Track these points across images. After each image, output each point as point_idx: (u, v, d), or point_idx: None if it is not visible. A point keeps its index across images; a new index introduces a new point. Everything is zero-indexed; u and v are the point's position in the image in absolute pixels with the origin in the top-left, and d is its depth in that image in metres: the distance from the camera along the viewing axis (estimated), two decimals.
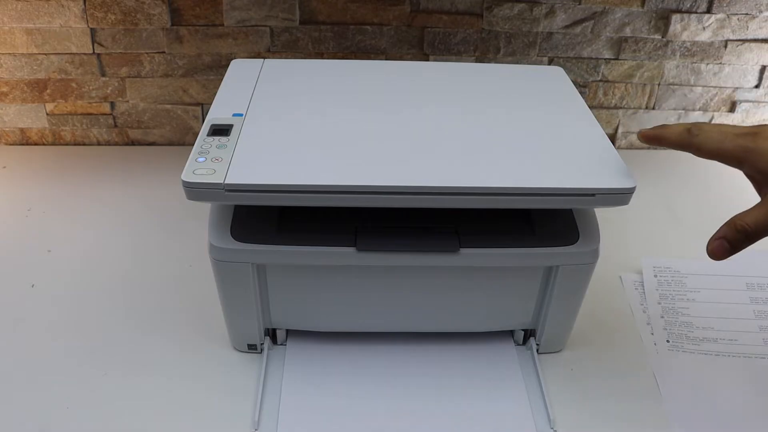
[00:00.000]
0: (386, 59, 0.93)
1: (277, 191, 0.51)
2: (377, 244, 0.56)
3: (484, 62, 0.94)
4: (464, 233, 0.57)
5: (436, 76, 0.69)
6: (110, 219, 0.84)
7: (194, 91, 0.95)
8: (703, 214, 0.89)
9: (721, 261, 0.49)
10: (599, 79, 0.96)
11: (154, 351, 0.65)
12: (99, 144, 0.99)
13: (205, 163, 0.52)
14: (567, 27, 0.91)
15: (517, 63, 0.94)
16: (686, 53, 0.94)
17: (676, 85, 0.98)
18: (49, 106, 0.96)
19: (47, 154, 0.97)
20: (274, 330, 0.65)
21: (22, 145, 0.99)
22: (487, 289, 0.61)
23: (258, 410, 0.59)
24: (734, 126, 0.51)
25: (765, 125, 0.48)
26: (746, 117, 1.00)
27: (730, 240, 0.48)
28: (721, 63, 0.96)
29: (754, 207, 0.48)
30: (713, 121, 1.01)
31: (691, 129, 0.50)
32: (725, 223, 0.48)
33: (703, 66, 0.96)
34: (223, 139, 0.55)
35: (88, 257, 0.77)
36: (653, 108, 0.99)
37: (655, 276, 0.76)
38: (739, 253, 0.79)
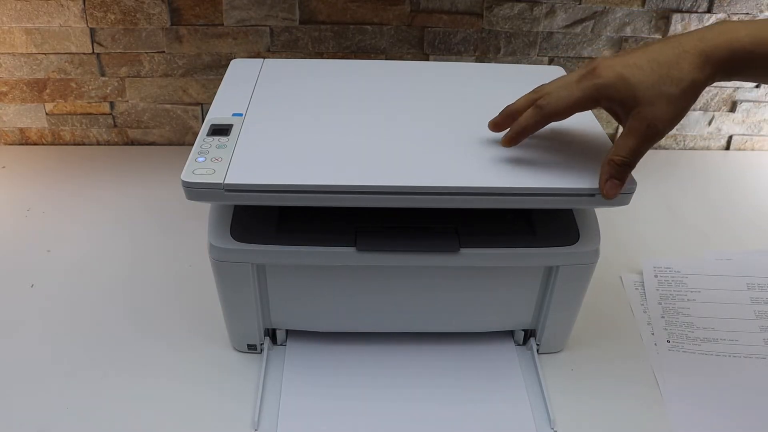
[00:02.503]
0: (386, 59, 0.93)
1: (276, 191, 0.51)
2: (377, 244, 0.56)
3: (484, 62, 0.94)
4: (464, 233, 0.57)
5: (436, 76, 0.69)
6: (110, 219, 0.84)
7: (194, 91, 0.95)
8: (703, 214, 0.89)
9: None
10: None
11: (154, 351, 0.65)
12: (99, 144, 0.99)
13: (204, 163, 0.52)
14: (567, 27, 0.91)
15: (517, 63, 0.94)
16: None
17: None
18: (49, 106, 0.96)
19: (47, 154, 0.97)
20: (274, 330, 0.65)
21: (22, 145, 0.99)
22: (487, 290, 0.61)
23: (258, 410, 0.59)
24: (570, 74, 0.52)
25: (595, 59, 0.51)
26: (747, 117, 1.00)
27: (617, 176, 0.50)
28: None
29: (622, 138, 0.50)
30: (713, 122, 1.01)
31: (538, 102, 0.52)
32: (603, 164, 0.51)
33: None
34: (223, 139, 0.55)
35: (88, 257, 0.77)
36: None
37: (656, 276, 0.76)
38: (739, 254, 0.80)
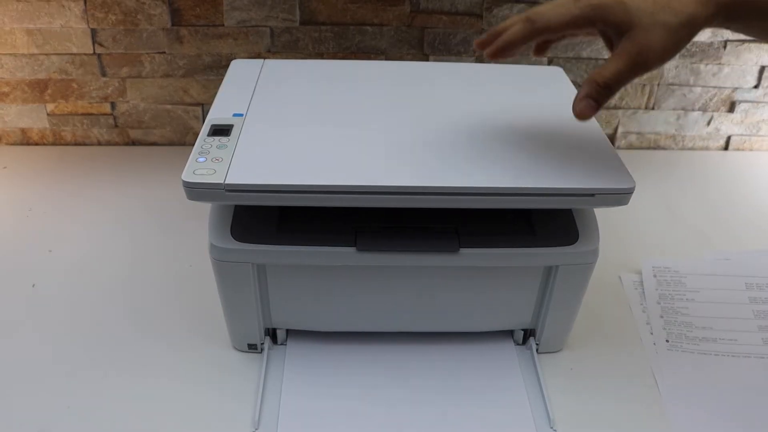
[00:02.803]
0: (386, 59, 0.93)
1: (277, 191, 0.51)
2: (377, 244, 0.56)
3: (484, 62, 0.94)
4: (464, 233, 0.57)
5: (436, 76, 0.69)
6: (110, 219, 0.84)
7: (194, 92, 0.95)
8: (702, 214, 0.89)
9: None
10: None
11: (154, 351, 0.65)
12: (99, 144, 1.00)
13: (205, 163, 0.52)
14: None
15: (516, 63, 0.94)
16: (686, 53, 0.94)
17: (676, 85, 0.98)
18: (50, 107, 0.96)
19: (48, 154, 0.97)
20: (274, 330, 0.65)
21: (23, 145, 0.99)
22: (487, 289, 0.61)
23: (258, 410, 0.59)
24: None
25: None
26: (746, 117, 1.01)
27: (595, 96, 0.48)
28: (720, 63, 0.96)
29: (610, 60, 0.48)
30: (713, 122, 1.01)
31: (530, 16, 0.50)
32: (585, 82, 0.48)
33: (702, 66, 0.96)
34: (224, 139, 0.55)
35: (89, 257, 0.77)
36: (653, 108, 0.99)
37: (655, 276, 0.76)
38: (738, 254, 0.80)
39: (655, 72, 0.96)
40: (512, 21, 0.51)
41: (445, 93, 0.65)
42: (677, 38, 0.47)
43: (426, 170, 0.52)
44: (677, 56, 0.94)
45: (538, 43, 0.55)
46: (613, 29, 0.48)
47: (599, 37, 0.51)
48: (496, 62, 0.52)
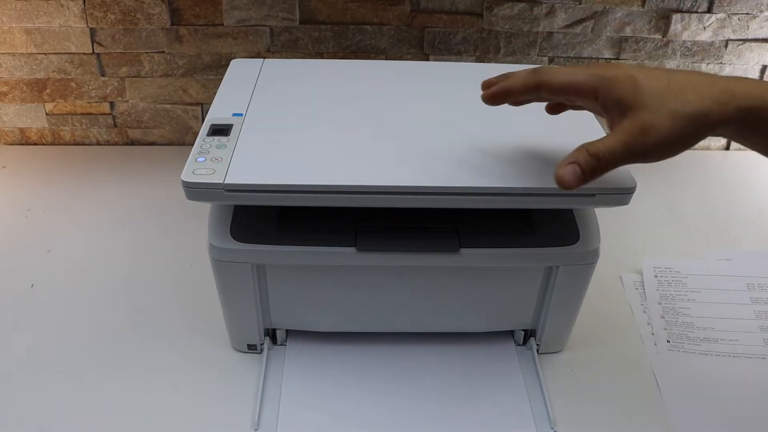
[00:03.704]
0: (386, 59, 0.93)
1: (277, 191, 0.51)
2: (377, 244, 0.56)
3: (484, 62, 0.94)
4: (464, 233, 0.57)
5: (436, 76, 0.69)
6: (110, 219, 0.84)
7: (194, 91, 0.95)
8: (703, 214, 0.89)
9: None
10: None
11: (154, 351, 0.65)
12: (99, 144, 0.99)
13: (204, 163, 0.52)
14: (567, 27, 0.91)
15: (517, 63, 0.94)
16: (687, 53, 0.94)
17: None
18: (49, 106, 0.96)
19: (47, 154, 0.97)
20: (274, 330, 0.65)
21: (22, 145, 0.99)
22: (487, 289, 0.61)
23: (258, 410, 0.59)
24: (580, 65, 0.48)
25: (612, 62, 0.47)
26: None
27: (583, 165, 0.44)
28: (721, 63, 0.95)
29: (607, 135, 0.45)
30: None
31: (537, 69, 0.48)
32: (575, 149, 0.45)
33: (703, 66, 0.96)
34: (223, 139, 0.55)
35: (88, 257, 0.77)
36: None
37: (656, 276, 0.76)
38: (739, 254, 0.80)
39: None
40: (519, 72, 0.50)
41: (446, 93, 0.65)
42: (684, 131, 0.43)
43: (426, 170, 0.52)
44: (678, 56, 0.94)
45: (549, 104, 0.54)
46: (616, 105, 0.45)
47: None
48: (490, 104, 0.51)
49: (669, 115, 0.43)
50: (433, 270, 0.59)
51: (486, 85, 0.51)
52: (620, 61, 0.94)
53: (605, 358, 0.66)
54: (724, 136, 0.46)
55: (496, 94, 0.49)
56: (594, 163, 0.44)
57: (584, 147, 0.45)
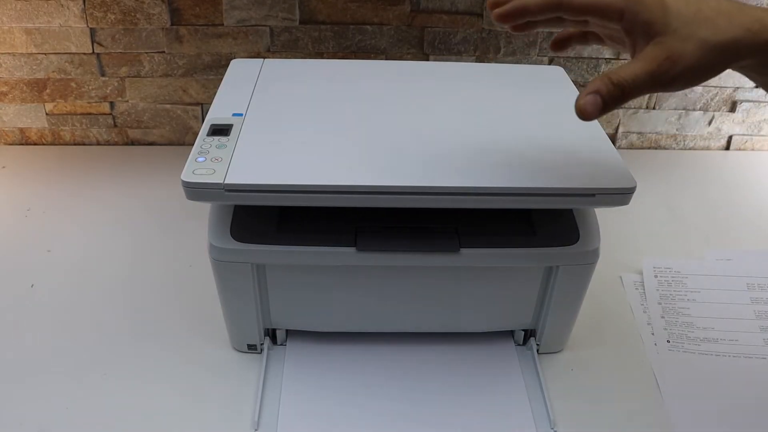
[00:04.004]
0: (386, 59, 0.93)
1: (277, 191, 0.51)
2: (377, 244, 0.56)
3: (484, 62, 0.94)
4: (464, 233, 0.57)
5: (436, 76, 0.69)
6: (110, 219, 0.84)
7: (194, 91, 0.95)
8: (703, 214, 0.89)
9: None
10: None
11: (154, 351, 0.65)
12: (99, 144, 0.99)
13: (204, 163, 0.52)
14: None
15: (517, 63, 0.94)
16: None
17: None
18: (49, 106, 0.96)
19: (47, 154, 0.97)
20: (274, 330, 0.65)
21: (22, 145, 0.99)
22: (487, 289, 0.61)
23: (258, 410, 0.59)
24: None
25: None
26: (747, 117, 1.00)
27: (605, 94, 0.42)
28: None
29: (631, 62, 0.42)
30: (714, 122, 1.01)
31: None
32: (597, 78, 0.42)
33: None
34: (223, 139, 0.55)
35: (88, 257, 0.77)
36: (654, 108, 0.99)
37: (656, 276, 0.76)
38: (739, 253, 0.80)
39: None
40: None
41: (446, 93, 0.65)
42: (711, 60, 0.41)
43: (426, 170, 0.52)
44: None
45: (556, 37, 0.51)
46: (642, 29, 0.42)
47: (610, 44, 0.48)
48: (502, 27, 0.45)
49: (698, 43, 0.41)
50: (433, 270, 0.59)
51: (495, 3, 0.45)
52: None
53: (605, 358, 0.66)
54: (744, 71, 0.44)
55: (509, 11, 0.44)
56: (617, 93, 0.42)
57: (606, 75, 0.42)
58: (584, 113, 0.42)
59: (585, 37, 0.51)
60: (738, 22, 0.41)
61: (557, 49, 0.52)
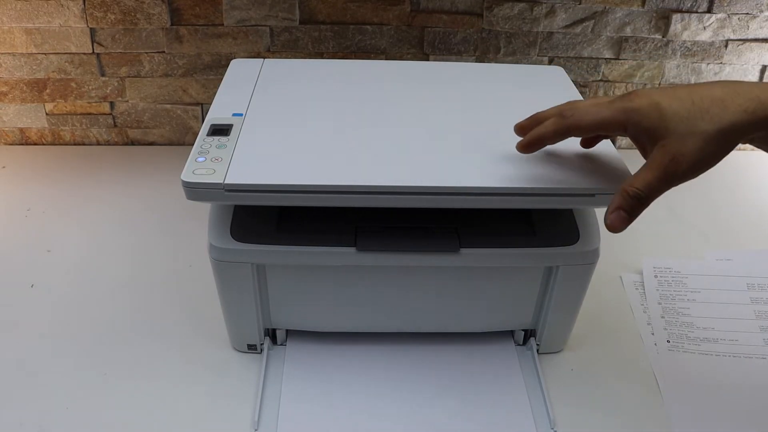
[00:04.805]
0: (386, 59, 0.93)
1: (277, 191, 0.51)
2: (377, 244, 0.56)
3: (484, 62, 0.94)
4: (464, 233, 0.57)
5: (436, 76, 0.69)
6: (110, 219, 0.84)
7: (194, 91, 0.95)
8: (704, 214, 0.89)
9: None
10: (600, 78, 0.96)
11: (154, 351, 0.65)
12: (99, 144, 0.99)
13: (204, 163, 0.52)
14: (567, 27, 0.91)
15: (517, 63, 0.94)
16: (687, 53, 0.94)
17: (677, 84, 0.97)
18: (49, 106, 0.96)
19: (47, 154, 0.96)
20: (274, 330, 0.65)
21: (22, 144, 0.99)
22: (487, 289, 0.61)
23: (258, 410, 0.59)
24: (604, 96, 0.50)
25: (635, 90, 0.47)
26: None
27: (626, 208, 0.46)
28: (721, 63, 0.95)
29: (641, 170, 0.46)
30: None
31: (563, 111, 0.49)
32: (617, 193, 0.46)
33: (703, 66, 0.96)
34: (223, 138, 0.55)
35: (88, 257, 0.77)
36: None
37: (656, 276, 0.76)
38: (739, 254, 0.80)
39: (656, 71, 0.96)
40: (548, 113, 0.51)
41: (446, 93, 0.65)
42: (713, 149, 0.43)
43: (426, 170, 0.52)
44: (678, 56, 0.94)
45: (582, 140, 0.55)
46: (645, 136, 0.46)
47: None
48: (526, 153, 0.53)
49: (697, 137, 0.43)
50: (433, 270, 0.59)
51: (518, 130, 0.53)
52: (620, 61, 0.94)
53: (605, 358, 0.66)
54: (754, 143, 0.46)
55: (529, 143, 0.52)
56: (635, 204, 0.46)
57: (624, 189, 0.46)
58: (615, 228, 0.47)
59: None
60: (733, 107, 0.43)
61: (586, 146, 0.55)
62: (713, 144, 0.43)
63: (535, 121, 0.52)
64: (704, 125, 0.43)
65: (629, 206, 0.46)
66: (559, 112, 0.50)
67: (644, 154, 0.48)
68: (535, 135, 0.51)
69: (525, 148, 0.52)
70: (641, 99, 0.46)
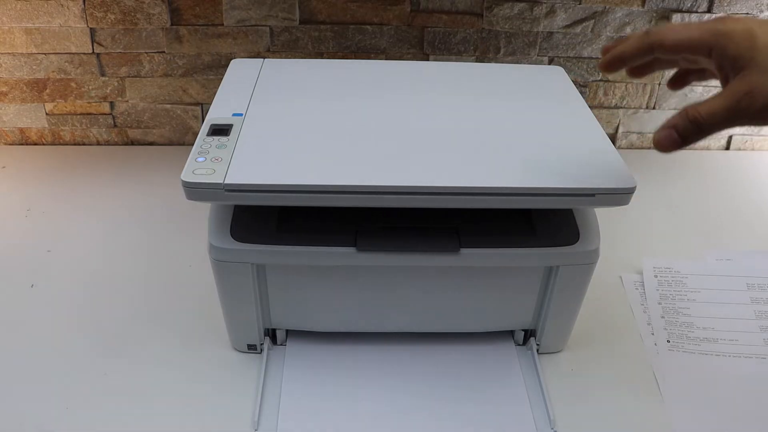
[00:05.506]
0: (386, 59, 0.93)
1: (277, 191, 0.51)
2: (377, 244, 0.56)
3: (484, 62, 0.94)
4: (464, 233, 0.57)
5: (436, 76, 0.69)
6: (109, 219, 0.84)
7: (194, 91, 0.95)
8: (704, 214, 0.89)
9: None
10: (599, 78, 0.96)
11: (154, 351, 0.65)
12: (98, 144, 0.99)
13: (204, 163, 0.52)
14: (567, 27, 0.91)
15: (517, 63, 0.94)
16: None
17: None
18: (49, 106, 0.96)
19: (47, 154, 0.96)
20: (274, 330, 0.65)
21: (22, 145, 0.99)
22: (487, 290, 0.61)
23: (258, 410, 0.59)
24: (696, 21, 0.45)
25: (731, 16, 0.44)
26: None
27: (681, 130, 0.43)
28: None
29: (712, 97, 0.42)
30: None
31: (650, 30, 0.45)
32: (678, 112, 0.43)
33: None
34: (223, 138, 0.55)
35: (88, 257, 0.77)
36: (654, 108, 0.99)
37: (656, 276, 0.76)
38: (739, 254, 0.80)
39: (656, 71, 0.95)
40: (633, 34, 0.48)
41: (446, 92, 0.65)
42: None
43: (426, 170, 0.52)
44: None
45: (674, 75, 0.51)
46: (730, 64, 0.42)
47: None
48: (606, 73, 0.49)
49: None
50: (433, 270, 0.59)
51: (603, 51, 0.49)
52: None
53: (605, 358, 0.66)
54: None
55: (610, 61, 0.47)
56: (692, 128, 0.42)
57: (686, 110, 0.43)
58: (661, 147, 0.43)
59: (702, 72, 0.51)
60: None
61: (674, 87, 0.52)
62: None
63: (620, 42, 0.48)
64: None
65: (684, 129, 0.42)
66: (645, 31, 0.46)
67: (723, 82, 0.44)
68: (617, 52, 0.47)
69: (606, 65, 0.48)
70: (735, 24, 0.42)
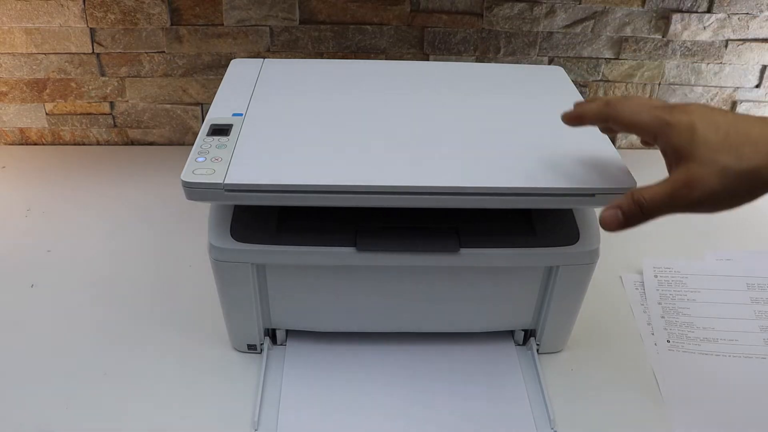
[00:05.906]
0: (386, 59, 0.93)
1: (276, 191, 0.51)
2: (377, 244, 0.56)
3: (484, 62, 0.94)
4: (464, 233, 0.57)
5: (436, 75, 0.69)
6: (109, 219, 0.84)
7: (194, 91, 0.95)
8: (703, 214, 0.89)
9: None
10: (600, 78, 0.96)
11: (154, 351, 0.65)
12: (98, 144, 0.99)
13: (204, 163, 0.52)
14: (567, 27, 0.91)
15: (517, 63, 0.94)
16: (687, 53, 0.94)
17: (677, 84, 0.97)
18: (49, 106, 0.96)
19: (47, 154, 0.97)
20: (274, 330, 0.65)
21: (22, 144, 0.99)
22: (487, 289, 0.61)
23: (258, 410, 0.59)
24: (654, 99, 0.49)
25: (686, 104, 0.46)
26: None
27: (625, 211, 0.45)
28: (721, 63, 0.95)
29: (656, 183, 0.44)
30: None
31: (609, 101, 0.49)
32: (624, 195, 0.45)
33: (703, 66, 0.96)
34: (223, 138, 0.55)
35: (88, 257, 0.77)
36: None
37: (656, 276, 0.76)
38: (739, 254, 0.80)
39: (656, 71, 0.96)
40: (597, 98, 0.52)
41: (445, 92, 0.65)
42: (732, 188, 0.41)
43: (426, 170, 0.52)
44: (678, 56, 0.93)
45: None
46: (672, 152, 0.44)
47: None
48: (567, 124, 0.53)
49: (719, 170, 0.41)
50: (433, 270, 0.59)
51: (574, 105, 0.53)
52: (619, 60, 0.94)
53: (605, 358, 0.66)
54: None
55: (572, 117, 0.52)
56: (636, 211, 0.44)
57: (632, 193, 0.45)
58: (605, 225, 0.46)
59: None
60: (765, 151, 0.41)
61: (605, 131, 0.56)
62: (733, 181, 0.41)
63: (587, 102, 0.52)
64: (728, 160, 0.41)
65: (628, 210, 0.45)
66: (606, 100, 0.50)
67: (668, 170, 0.46)
68: (580, 111, 0.51)
69: (566, 118, 0.52)
70: (681, 116, 0.44)
